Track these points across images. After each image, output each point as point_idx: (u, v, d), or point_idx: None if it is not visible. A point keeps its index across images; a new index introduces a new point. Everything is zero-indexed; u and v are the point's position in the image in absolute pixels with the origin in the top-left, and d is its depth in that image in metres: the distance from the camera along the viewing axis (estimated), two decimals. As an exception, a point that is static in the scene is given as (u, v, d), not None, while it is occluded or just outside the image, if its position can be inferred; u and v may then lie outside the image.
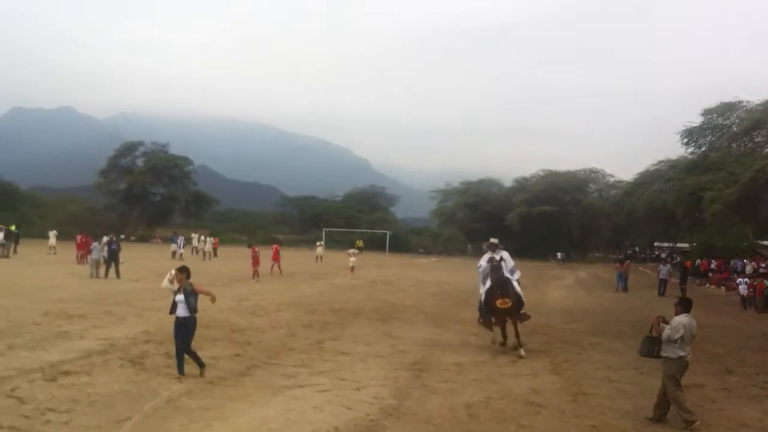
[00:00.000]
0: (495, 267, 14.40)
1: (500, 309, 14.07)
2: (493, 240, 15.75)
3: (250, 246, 35.04)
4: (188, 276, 10.78)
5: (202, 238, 51.75)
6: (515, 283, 14.65)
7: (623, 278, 36.50)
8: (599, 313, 23.76)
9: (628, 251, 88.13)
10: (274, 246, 33.74)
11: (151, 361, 11.36)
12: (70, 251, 40.73)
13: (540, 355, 14.13)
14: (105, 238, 31.30)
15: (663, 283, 34.35)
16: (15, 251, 43.50)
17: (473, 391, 10.31)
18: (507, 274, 14.51)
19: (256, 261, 31.64)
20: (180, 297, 10.46)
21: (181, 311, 10.46)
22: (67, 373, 10.16)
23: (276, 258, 33.14)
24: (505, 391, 10.40)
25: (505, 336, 14.71)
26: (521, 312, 14.46)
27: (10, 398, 8.64)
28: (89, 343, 12.67)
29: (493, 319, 14.76)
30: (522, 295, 14.60)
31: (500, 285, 14.16)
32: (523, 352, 13.62)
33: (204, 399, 9.22)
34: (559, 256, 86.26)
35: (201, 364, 10.57)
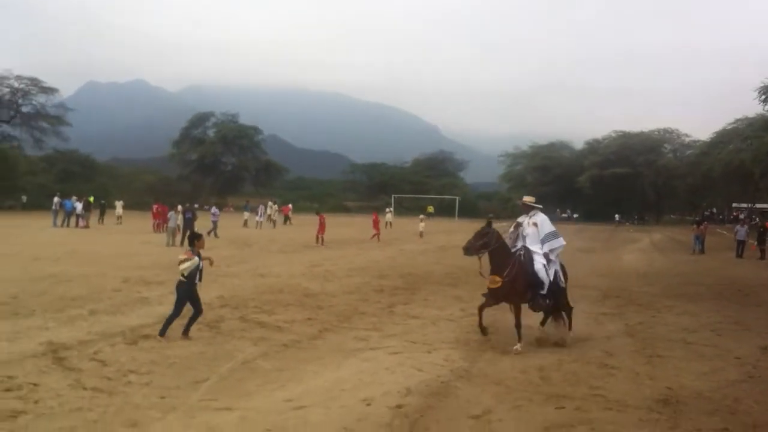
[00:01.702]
0: (513, 235, 11.50)
1: (489, 288, 10.99)
2: (527, 198, 11.84)
3: (317, 213, 35.63)
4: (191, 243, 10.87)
5: (271, 204, 52.44)
6: (538, 258, 11.00)
7: (700, 240, 35.67)
8: (675, 276, 23.27)
9: (705, 213, 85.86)
10: (321, 216, 33.57)
11: (226, 325, 11.62)
12: (138, 220, 41.84)
13: (614, 317, 13.92)
14: (180, 207, 32.03)
15: (741, 245, 33.42)
16: (101, 221, 45.08)
17: (545, 354, 10.24)
18: (529, 244, 11.16)
19: (322, 227, 32.25)
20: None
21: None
22: (146, 336, 10.47)
23: (322, 230, 32.78)
24: (578, 353, 10.30)
25: (481, 325, 11.21)
26: (532, 296, 10.97)
27: (93, 361, 8.95)
28: (167, 309, 12.95)
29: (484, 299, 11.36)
30: (544, 275, 10.88)
31: (498, 256, 10.92)
32: (518, 347, 10.46)
33: (278, 361, 9.39)
34: (617, 218, 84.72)
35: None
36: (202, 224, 30.90)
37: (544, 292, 10.89)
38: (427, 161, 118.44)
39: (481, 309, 11.17)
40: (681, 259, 31.97)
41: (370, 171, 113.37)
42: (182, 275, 10.41)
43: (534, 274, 10.84)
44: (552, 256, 11.16)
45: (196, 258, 10.48)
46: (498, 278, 10.73)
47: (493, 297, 11.00)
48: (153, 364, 8.92)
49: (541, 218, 11.35)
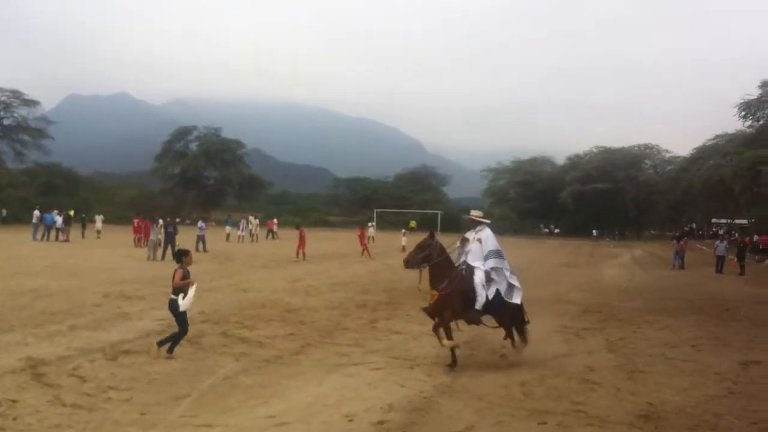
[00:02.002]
0: (459, 250, 10.97)
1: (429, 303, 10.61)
2: (475, 213, 11.16)
3: (297, 227, 35.79)
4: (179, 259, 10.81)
5: (251, 219, 52.42)
6: (478, 273, 10.44)
7: (680, 255, 35.92)
8: (655, 291, 23.41)
9: (685, 228, 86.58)
10: (300, 230, 33.53)
11: (207, 341, 11.57)
12: (118, 234, 41.58)
13: (595, 332, 13.98)
14: (161, 222, 31.91)
15: (720, 260, 33.69)
16: (83, 236, 44.88)
17: (527, 369, 10.26)
18: (471, 260, 10.61)
19: (302, 242, 32.28)
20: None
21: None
22: (127, 352, 10.40)
23: (302, 244, 32.60)
24: (560, 368, 10.33)
25: (443, 336, 10.42)
26: (466, 310, 10.47)
27: (73, 377, 8.88)
28: (148, 324, 12.95)
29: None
30: (481, 291, 10.34)
31: (438, 270, 10.52)
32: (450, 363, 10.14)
33: (260, 377, 9.36)
34: (595, 234, 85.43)
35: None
36: (183, 238, 30.79)
37: (478, 307, 10.35)
38: (409, 176, 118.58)
39: (435, 328, 10.45)
40: (661, 274, 32.19)
41: (353, 185, 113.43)
42: (173, 294, 10.33)
43: (472, 290, 10.34)
44: (494, 275, 10.48)
45: (194, 284, 10.47)
46: (435, 292, 10.37)
47: (429, 311, 10.62)
48: (133, 380, 8.86)
49: (485, 234, 10.79)
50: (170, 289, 10.45)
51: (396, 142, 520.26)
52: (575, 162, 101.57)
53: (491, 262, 10.50)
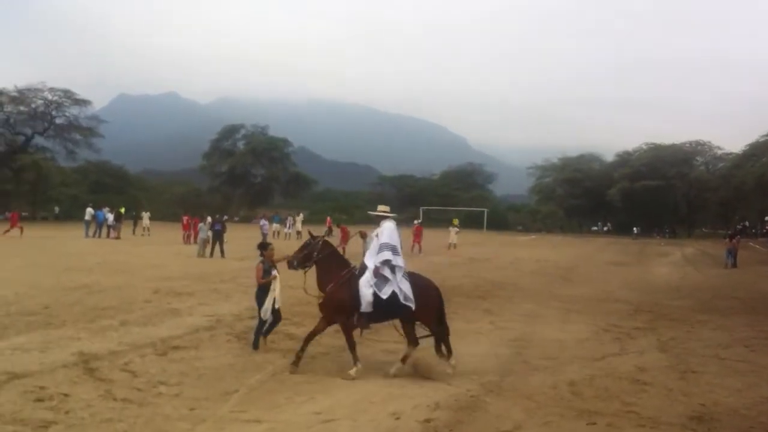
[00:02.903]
0: (365, 248, 10.15)
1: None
2: (380, 207, 10.45)
3: (338, 225, 35.94)
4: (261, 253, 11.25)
5: (299, 217, 52.60)
6: (366, 273, 9.55)
7: (732, 254, 35.13)
8: (707, 290, 22.94)
9: (738, 226, 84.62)
10: (343, 227, 33.70)
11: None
12: (167, 232, 42.12)
13: (646, 332, 13.73)
14: (209, 219, 32.27)
15: (775, 259, 32.82)
16: (134, 232, 45.79)
17: (576, 368, 10.13)
18: (367, 258, 9.76)
19: (344, 239, 32.44)
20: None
21: None
22: (176, 347, 10.52)
23: (344, 241, 32.57)
24: (610, 368, 10.17)
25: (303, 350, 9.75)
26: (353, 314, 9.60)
27: (124, 371, 9.01)
28: (197, 320, 13.09)
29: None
30: (365, 292, 9.42)
31: (324, 269, 9.89)
32: (353, 371, 9.39)
33: (307, 373, 9.39)
34: (635, 231, 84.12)
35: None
36: (232, 236, 31.11)
37: (363, 310, 9.44)
38: (455, 173, 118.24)
39: (308, 336, 9.82)
40: (713, 273, 31.55)
41: (399, 183, 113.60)
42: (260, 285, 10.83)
43: (356, 290, 9.48)
44: (388, 272, 9.49)
45: (276, 278, 10.88)
46: (323, 294, 9.75)
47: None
48: (183, 376, 8.96)
49: (383, 227, 9.86)
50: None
51: (441, 139, 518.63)
52: (624, 159, 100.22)
53: (383, 255, 9.49)
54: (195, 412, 7.49)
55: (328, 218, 57.32)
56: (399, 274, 9.58)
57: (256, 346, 10.69)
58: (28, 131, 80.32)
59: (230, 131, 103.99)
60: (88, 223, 42.39)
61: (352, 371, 9.36)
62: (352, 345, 9.58)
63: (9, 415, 6.91)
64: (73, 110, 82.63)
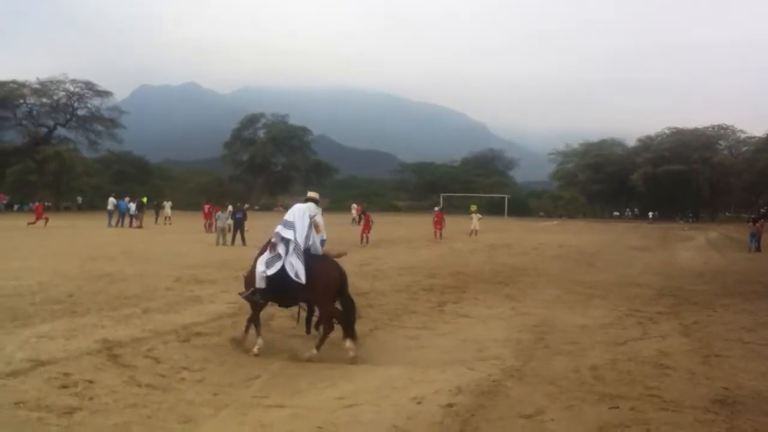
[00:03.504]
0: None
1: None
2: (310, 194, 10.78)
3: (364, 213, 36.13)
4: None
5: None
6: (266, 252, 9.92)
7: (756, 238, 34.79)
8: (731, 274, 22.72)
9: (762, 210, 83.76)
10: (366, 215, 34.05)
11: (277, 323, 11.69)
12: (189, 220, 42.34)
13: (669, 316, 13.62)
14: (230, 207, 32.42)
15: (800, 242, 32.42)
16: (156, 221, 46.18)
17: (598, 353, 10.06)
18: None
19: (367, 226, 32.62)
20: None
21: None
22: (199, 334, 10.58)
23: (366, 228, 32.86)
24: (632, 353, 10.10)
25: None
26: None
27: (147, 358, 9.07)
28: (219, 307, 13.16)
29: None
30: (259, 268, 9.79)
31: None
32: (255, 349, 9.60)
33: (329, 359, 9.42)
34: (651, 216, 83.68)
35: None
36: (254, 224, 31.24)
37: (257, 285, 9.68)
38: (476, 160, 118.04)
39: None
40: (737, 257, 31.26)
41: (420, 170, 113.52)
42: None
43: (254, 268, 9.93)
44: (280, 248, 9.67)
45: None
46: None
47: None
48: (205, 362, 9.02)
49: (293, 207, 10.15)
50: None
51: (461, 126, 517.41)
52: (647, 144, 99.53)
53: (276, 229, 9.81)
54: (218, 397, 7.53)
55: (358, 206, 56.89)
56: (291, 249, 9.59)
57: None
58: (51, 123, 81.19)
59: (251, 120, 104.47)
60: (110, 213, 42.76)
61: (255, 348, 9.52)
62: (252, 319, 9.88)
63: (34, 402, 6.97)
64: (95, 101, 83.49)
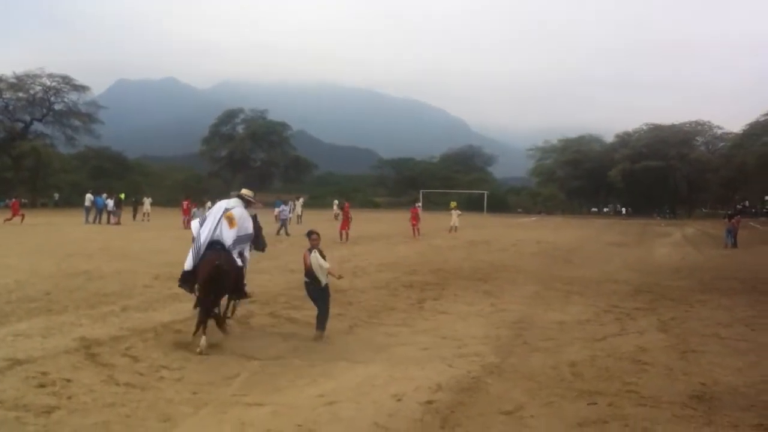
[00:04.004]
0: None
1: None
2: (244, 191, 11.15)
3: (341, 208, 36.21)
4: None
5: (299, 201, 52.39)
6: None
7: (732, 234, 35.13)
8: (708, 270, 22.95)
9: (738, 206, 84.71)
10: (346, 210, 34.37)
11: (256, 321, 11.68)
12: (168, 217, 42.07)
13: (646, 312, 13.74)
14: (208, 204, 32.26)
15: (778, 238, 32.70)
16: (134, 218, 45.82)
17: (577, 349, 10.14)
18: None
19: (346, 222, 32.59)
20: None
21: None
22: (178, 332, 10.54)
23: (345, 224, 33.05)
24: (611, 349, 10.18)
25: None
26: None
27: (126, 357, 9.02)
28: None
29: None
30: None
31: None
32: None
33: (309, 357, 9.41)
34: (623, 211, 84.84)
35: None
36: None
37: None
38: (455, 156, 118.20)
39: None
40: (714, 253, 31.55)
41: (399, 166, 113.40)
42: (306, 277, 10.62)
43: None
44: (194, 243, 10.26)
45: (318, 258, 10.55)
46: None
47: None
48: (185, 360, 8.98)
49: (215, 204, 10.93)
50: None
51: (441, 122, 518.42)
52: (624, 140, 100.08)
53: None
54: (197, 395, 7.51)
55: (347, 203, 56.41)
56: (195, 244, 10.18)
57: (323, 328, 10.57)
58: (27, 118, 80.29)
59: (229, 116, 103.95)
60: (88, 210, 42.41)
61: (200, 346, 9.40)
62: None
63: (12, 401, 6.92)
64: (72, 96, 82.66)
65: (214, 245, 9.94)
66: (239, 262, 10.17)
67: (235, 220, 10.13)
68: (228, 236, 10.01)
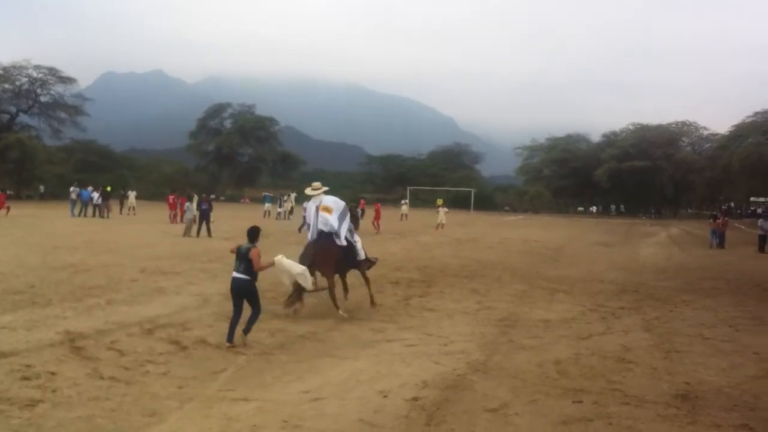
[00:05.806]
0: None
1: None
2: (315, 185, 13.46)
3: (357, 206, 36.87)
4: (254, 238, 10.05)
5: (286, 197, 52.21)
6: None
7: (718, 234, 35.28)
8: (693, 270, 23.08)
9: (723, 207, 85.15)
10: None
11: (242, 316, 11.62)
12: (154, 211, 41.84)
13: (631, 312, 13.81)
14: (195, 198, 32.19)
15: (763, 239, 32.82)
16: (120, 212, 45.59)
17: (562, 348, 10.19)
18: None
19: (378, 216, 34.62)
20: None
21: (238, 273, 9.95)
22: (164, 326, 10.52)
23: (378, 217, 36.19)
24: (595, 347, 10.23)
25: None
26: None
27: (111, 350, 9.00)
28: (184, 299, 13.09)
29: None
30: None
31: None
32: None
33: (295, 352, 9.42)
34: (594, 210, 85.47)
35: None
36: (219, 215, 31.00)
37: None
38: (443, 153, 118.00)
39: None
40: (699, 253, 31.70)
41: (387, 163, 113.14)
42: (245, 275, 9.93)
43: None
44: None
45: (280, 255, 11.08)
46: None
47: None
48: (170, 355, 8.97)
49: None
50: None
51: (429, 119, 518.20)
52: (611, 139, 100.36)
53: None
54: (183, 390, 7.50)
55: (362, 200, 55.71)
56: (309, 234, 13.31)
57: (247, 332, 9.88)
58: (13, 109, 79.62)
59: (217, 110, 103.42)
60: (73, 202, 42.14)
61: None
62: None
63: (-5, 394, 6.90)
64: (58, 88, 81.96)
65: (321, 234, 12.54)
66: (343, 242, 12.63)
67: (330, 207, 12.59)
68: (332, 220, 12.48)
